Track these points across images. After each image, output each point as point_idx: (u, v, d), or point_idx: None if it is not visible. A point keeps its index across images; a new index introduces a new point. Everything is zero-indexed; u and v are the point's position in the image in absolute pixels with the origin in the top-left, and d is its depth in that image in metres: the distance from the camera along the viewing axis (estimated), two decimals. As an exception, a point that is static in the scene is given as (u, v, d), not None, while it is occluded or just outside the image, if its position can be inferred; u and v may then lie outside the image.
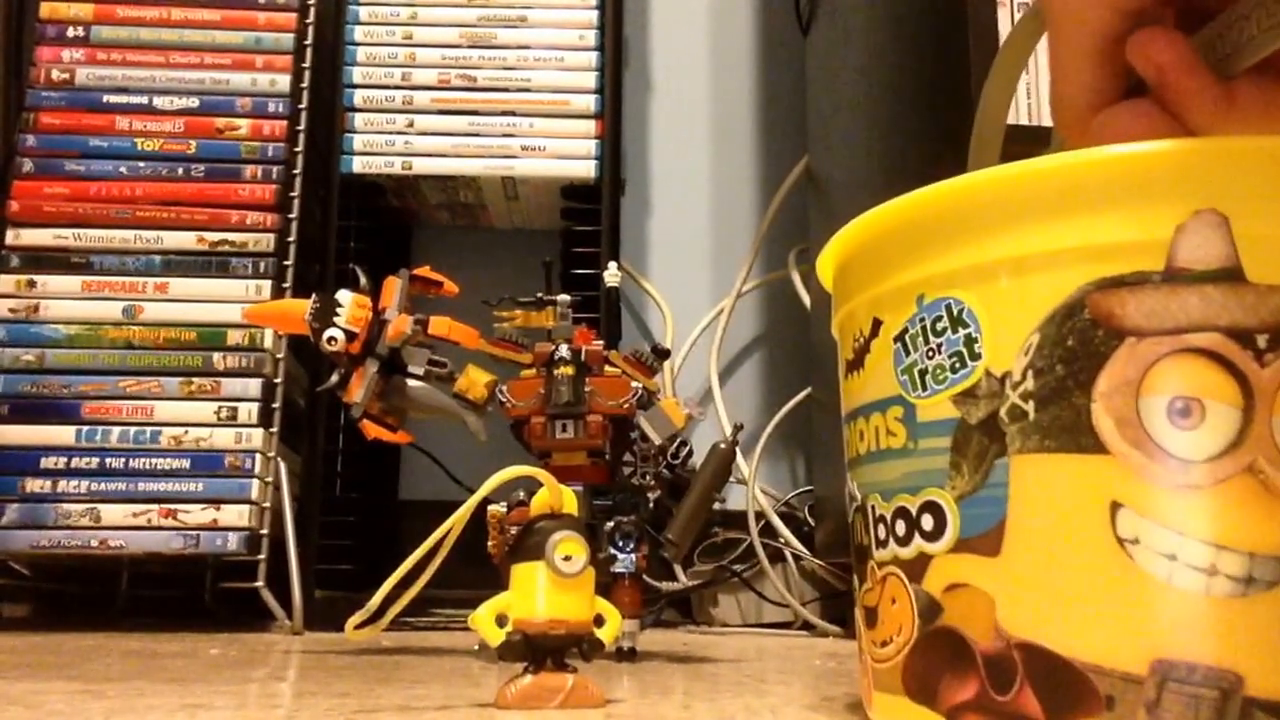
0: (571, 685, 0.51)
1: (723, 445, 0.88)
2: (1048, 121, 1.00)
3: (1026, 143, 0.96)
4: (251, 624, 1.18)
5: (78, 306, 1.20)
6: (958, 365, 0.37)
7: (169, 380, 1.18)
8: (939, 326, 0.37)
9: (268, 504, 1.16)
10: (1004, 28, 1.00)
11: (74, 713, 0.49)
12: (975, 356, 0.36)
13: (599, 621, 0.53)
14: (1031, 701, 0.33)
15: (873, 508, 0.40)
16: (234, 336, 1.20)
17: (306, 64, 1.32)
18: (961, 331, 0.37)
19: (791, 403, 1.52)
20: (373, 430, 0.88)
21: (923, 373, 0.38)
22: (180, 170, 1.25)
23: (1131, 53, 0.36)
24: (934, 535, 0.37)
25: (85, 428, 1.16)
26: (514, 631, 0.51)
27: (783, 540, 1.42)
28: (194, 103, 1.28)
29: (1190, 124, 0.36)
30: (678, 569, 1.45)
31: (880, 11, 1.19)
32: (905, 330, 0.39)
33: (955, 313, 0.37)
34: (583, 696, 0.51)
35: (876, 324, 0.40)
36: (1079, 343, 0.34)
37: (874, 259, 0.41)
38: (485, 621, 0.51)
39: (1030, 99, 1.00)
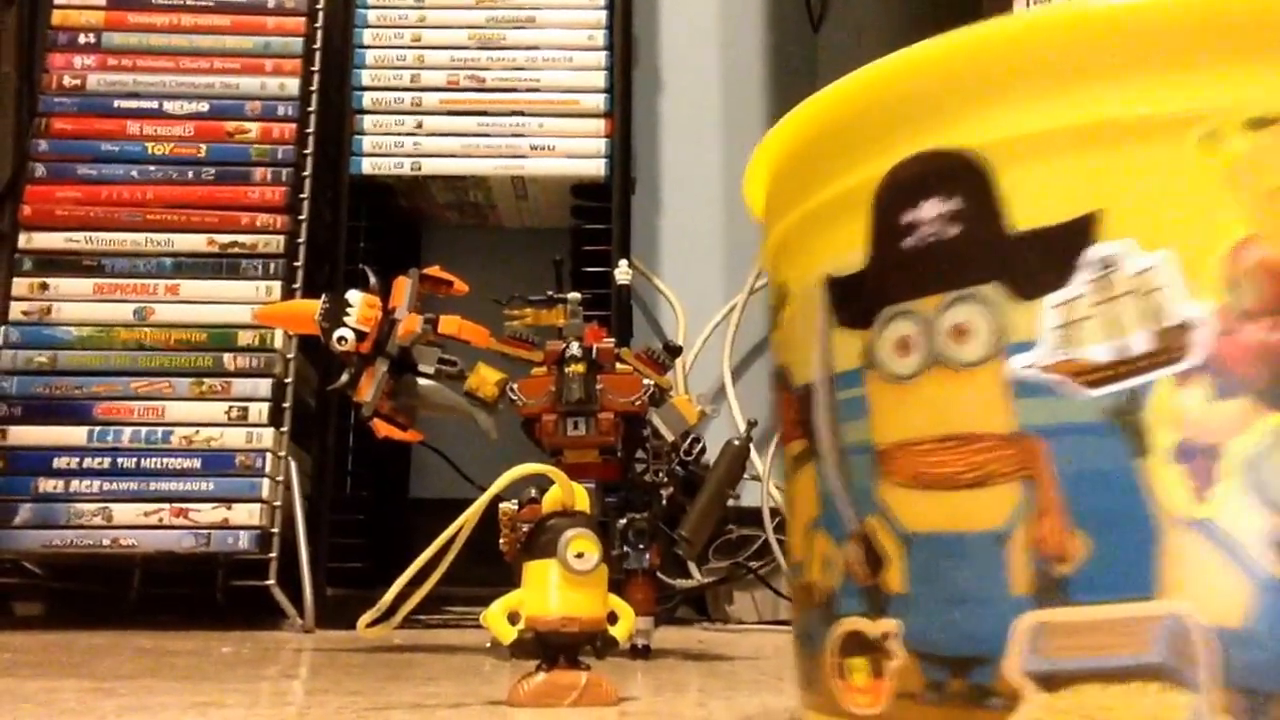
0: (585, 683, 0.50)
1: (736, 442, 0.88)
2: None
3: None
4: (263, 622, 1.18)
5: (90, 308, 1.21)
6: None
7: (180, 381, 1.18)
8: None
9: (278, 503, 1.16)
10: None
11: (86, 711, 0.49)
12: None
13: (612, 619, 0.53)
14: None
15: None
16: (244, 337, 1.20)
17: (315, 67, 1.32)
18: None
19: (803, 400, 1.51)
20: (383, 429, 0.88)
21: None
22: (191, 173, 1.26)
23: None
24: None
25: (97, 428, 1.16)
26: (526, 629, 0.51)
27: (795, 538, 1.41)
28: (204, 107, 1.28)
29: None
30: (692, 566, 1.45)
31: (892, 8, 1.19)
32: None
33: None
34: (596, 694, 0.51)
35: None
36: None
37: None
38: (497, 619, 0.51)
39: None
